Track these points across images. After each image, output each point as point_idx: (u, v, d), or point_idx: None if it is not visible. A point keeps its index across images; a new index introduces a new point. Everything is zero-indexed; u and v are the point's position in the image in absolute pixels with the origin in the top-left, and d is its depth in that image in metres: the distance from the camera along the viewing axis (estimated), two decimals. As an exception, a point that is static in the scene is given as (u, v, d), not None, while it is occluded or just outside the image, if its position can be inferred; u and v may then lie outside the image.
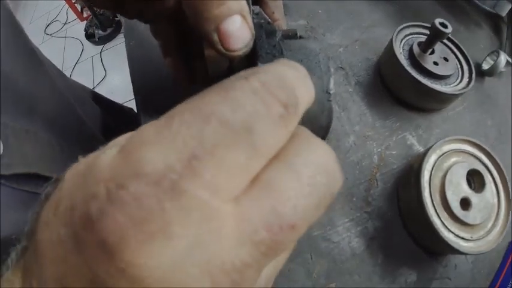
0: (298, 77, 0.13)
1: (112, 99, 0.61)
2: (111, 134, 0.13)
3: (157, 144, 0.09)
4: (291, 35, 0.24)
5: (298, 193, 0.11)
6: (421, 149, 0.35)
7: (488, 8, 0.46)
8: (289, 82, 0.12)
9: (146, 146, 0.10)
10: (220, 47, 0.17)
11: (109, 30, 1.68)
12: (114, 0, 0.23)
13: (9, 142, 0.25)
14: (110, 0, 0.23)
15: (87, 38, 1.70)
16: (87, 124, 0.41)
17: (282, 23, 0.28)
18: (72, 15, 1.78)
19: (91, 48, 1.68)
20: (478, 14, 0.47)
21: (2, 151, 0.24)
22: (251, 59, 0.21)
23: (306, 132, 0.13)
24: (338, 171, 0.13)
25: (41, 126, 0.31)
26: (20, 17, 1.91)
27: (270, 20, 0.23)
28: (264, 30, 0.22)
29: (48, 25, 1.85)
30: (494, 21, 0.47)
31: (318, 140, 0.13)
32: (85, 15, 1.76)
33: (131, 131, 0.11)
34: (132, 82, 0.39)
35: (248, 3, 0.23)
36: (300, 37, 0.24)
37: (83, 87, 0.54)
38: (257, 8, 0.22)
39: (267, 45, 0.22)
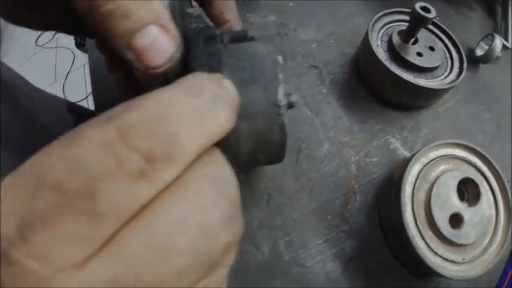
0: (192, 109, 0.11)
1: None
2: None
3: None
4: (240, 38, 0.20)
5: (144, 260, 0.09)
6: (407, 154, 0.31)
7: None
8: (169, 121, 0.10)
9: None
10: (138, 65, 0.15)
11: (98, 38, 1.65)
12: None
13: None
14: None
15: (77, 47, 1.69)
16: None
17: (235, 24, 0.25)
18: None
19: (82, 57, 1.67)
20: (470, -4, 0.42)
21: None
22: (187, 69, 0.18)
23: (198, 175, 0.11)
24: (224, 230, 0.11)
25: (8, 152, 0.30)
26: (11, 29, 1.91)
27: (210, 23, 0.19)
28: (202, 36, 0.18)
29: (38, 37, 1.85)
30: (487, 3, 0.42)
31: (204, 186, 0.11)
32: None
33: None
34: (93, 97, 0.36)
35: (182, 5, 0.19)
36: (251, 38, 0.20)
37: (57, 98, 0.54)
38: (197, 10, 0.19)
39: (204, 55, 0.18)
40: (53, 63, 1.71)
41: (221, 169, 0.12)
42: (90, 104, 1.43)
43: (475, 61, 0.36)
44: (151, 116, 0.10)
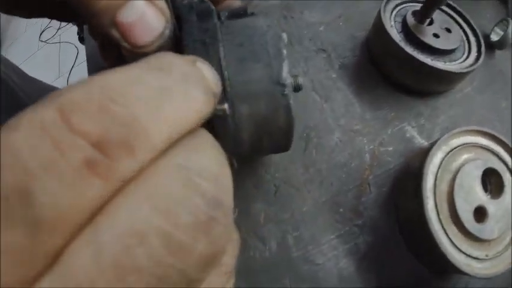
0: (158, 89, 0.09)
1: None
2: None
3: None
4: (239, 13, 0.18)
5: (93, 281, 0.07)
6: (424, 142, 0.29)
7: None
8: (128, 101, 0.08)
9: None
10: (124, 43, 0.13)
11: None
12: None
13: None
14: None
15: (80, 42, 1.68)
16: None
17: (234, 3, 0.22)
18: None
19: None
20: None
21: None
22: (179, 49, 0.16)
23: (166, 164, 0.08)
24: (201, 237, 0.08)
25: None
26: (15, 25, 1.91)
27: None
28: (195, 11, 0.16)
29: (42, 32, 1.85)
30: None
31: (172, 180, 0.08)
32: None
33: None
34: None
35: None
36: (252, 14, 0.18)
37: (53, 88, 0.51)
38: None
39: (196, 31, 0.16)
40: (56, 58, 1.69)
41: (199, 157, 0.09)
42: None
43: (490, 47, 0.34)
44: (103, 95, 0.08)
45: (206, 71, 0.11)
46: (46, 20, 1.89)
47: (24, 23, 1.97)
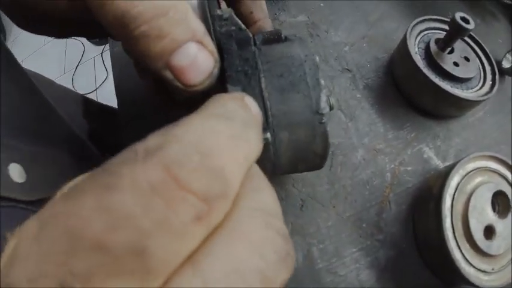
0: (230, 138, 0.10)
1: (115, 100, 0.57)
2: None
3: (27, 261, 0.08)
4: (274, 38, 0.19)
5: None
6: (439, 163, 0.31)
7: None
8: (215, 154, 0.09)
9: (18, 260, 0.08)
10: (177, 84, 0.14)
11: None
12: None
13: (30, 168, 0.24)
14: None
15: (87, 39, 1.64)
16: (80, 136, 0.38)
17: (266, 24, 0.23)
18: None
19: (92, 49, 1.63)
20: (493, 5, 0.42)
21: (25, 178, 0.23)
22: (222, 80, 0.17)
23: (241, 213, 0.10)
24: (283, 269, 0.10)
25: (46, 145, 0.29)
26: None
27: (242, 25, 0.18)
28: (234, 40, 0.17)
29: None
30: (511, 13, 0.42)
31: (256, 223, 0.10)
32: None
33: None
34: (116, 93, 0.34)
35: (210, 7, 0.18)
36: (286, 39, 0.19)
37: (73, 95, 0.51)
38: (227, 12, 0.17)
39: (238, 61, 0.17)
40: (62, 55, 1.67)
41: (267, 198, 0.11)
42: (99, 97, 1.40)
43: (501, 72, 0.37)
44: (195, 149, 0.09)
45: (253, 107, 0.12)
46: None
47: None
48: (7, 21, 1.77)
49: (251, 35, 0.18)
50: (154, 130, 0.09)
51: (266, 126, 0.16)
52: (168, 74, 0.14)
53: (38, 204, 0.25)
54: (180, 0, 0.14)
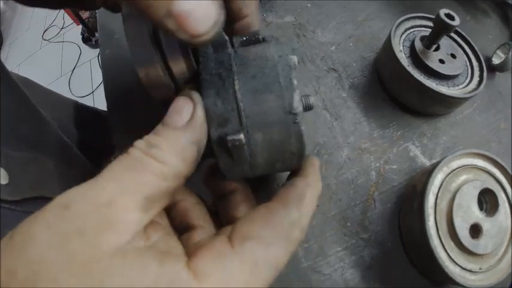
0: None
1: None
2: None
3: None
4: (251, 40, 0.19)
5: None
6: (426, 162, 0.30)
7: (495, -4, 0.41)
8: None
9: None
10: (182, 35, 0.13)
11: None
12: None
13: (13, 171, 0.26)
14: None
15: (84, 42, 1.69)
16: (66, 142, 0.39)
17: (253, 19, 0.23)
18: (69, 20, 1.77)
19: (89, 52, 1.66)
20: (485, 3, 0.41)
21: (8, 180, 0.26)
22: (197, 79, 0.17)
23: None
24: None
25: (32, 150, 0.31)
26: (17, 23, 1.90)
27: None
28: (211, 43, 0.18)
29: (45, 31, 1.85)
30: (502, 9, 0.42)
31: None
32: (85, 16, 1.72)
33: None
34: (106, 96, 0.35)
35: None
36: (263, 40, 0.19)
37: (64, 101, 0.52)
38: None
39: (213, 63, 0.17)
40: (59, 58, 1.69)
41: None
42: (96, 100, 1.41)
43: (491, 69, 0.36)
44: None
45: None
46: (50, 18, 1.90)
47: (28, 21, 1.96)
48: (5, 25, 1.81)
49: (227, 38, 0.18)
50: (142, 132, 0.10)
51: (240, 128, 0.17)
52: (171, 24, 0.13)
53: (22, 203, 0.26)
54: None
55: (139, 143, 0.15)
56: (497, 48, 0.37)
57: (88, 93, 1.48)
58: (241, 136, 0.16)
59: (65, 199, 0.13)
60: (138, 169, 0.14)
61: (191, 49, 0.18)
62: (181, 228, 0.19)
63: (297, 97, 0.17)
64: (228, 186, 0.20)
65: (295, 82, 0.17)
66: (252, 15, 0.23)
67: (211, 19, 0.13)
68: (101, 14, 0.40)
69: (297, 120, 0.17)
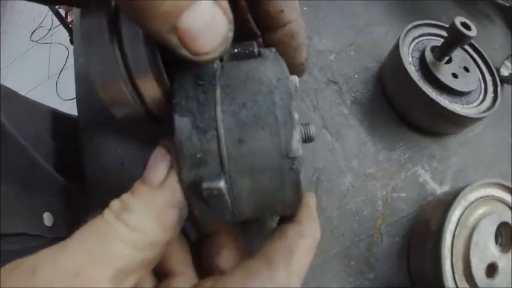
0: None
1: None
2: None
3: None
4: (244, 53, 0.15)
5: None
6: (437, 188, 0.27)
7: (500, 1, 0.38)
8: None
9: None
10: (184, 52, 0.11)
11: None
12: None
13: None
14: None
15: (72, 43, 1.64)
16: (39, 163, 0.34)
17: (298, 27, 0.18)
18: (57, 21, 1.70)
19: None
20: (488, 7, 0.39)
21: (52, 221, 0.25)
22: (170, 103, 0.13)
23: None
24: None
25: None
26: (5, 23, 1.85)
27: None
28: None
29: (33, 32, 1.80)
30: (506, 14, 0.39)
31: None
32: (69, 19, 1.67)
33: None
34: (77, 108, 0.31)
35: None
36: (259, 54, 0.15)
37: (41, 109, 0.46)
38: None
39: (191, 82, 0.13)
40: (46, 59, 1.64)
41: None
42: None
43: (499, 81, 0.34)
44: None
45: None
46: (38, 19, 1.84)
47: (16, 21, 1.89)
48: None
49: None
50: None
51: (220, 172, 0.13)
52: (174, 40, 0.11)
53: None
54: None
55: (114, 204, 0.13)
56: (506, 59, 0.35)
57: (74, 96, 1.42)
58: (221, 184, 0.12)
59: (33, 263, 0.12)
60: (108, 237, 0.12)
61: (160, 51, 0.14)
62: (160, 273, 0.17)
63: (297, 136, 0.13)
64: (209, 227, 0.17)
65: (295, 116, 0.13)
66: (297, 21, 0.18)
67: (220, 36, 0.11)
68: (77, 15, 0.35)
69: (294, 166, 0.13)
